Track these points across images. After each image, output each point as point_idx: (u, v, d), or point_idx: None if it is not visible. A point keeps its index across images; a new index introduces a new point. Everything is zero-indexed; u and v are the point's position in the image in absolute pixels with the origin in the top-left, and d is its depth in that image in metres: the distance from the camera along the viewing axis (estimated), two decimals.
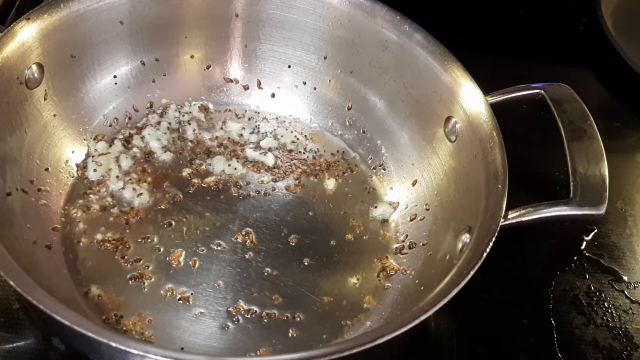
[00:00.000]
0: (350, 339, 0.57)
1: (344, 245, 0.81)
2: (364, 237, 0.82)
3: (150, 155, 0.86)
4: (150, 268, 0.74)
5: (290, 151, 0.90)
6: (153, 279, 0.74)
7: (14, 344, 0.67)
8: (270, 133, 0.91)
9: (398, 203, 0.85)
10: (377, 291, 0.77)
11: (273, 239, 0.79)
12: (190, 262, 0.76)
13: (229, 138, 0.90)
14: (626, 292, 0.81)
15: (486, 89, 0.79)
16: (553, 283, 0.81)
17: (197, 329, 0.71)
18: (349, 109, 0.92)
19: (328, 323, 0.73)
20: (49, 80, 0.78)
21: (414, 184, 0.85)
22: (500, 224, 0.65)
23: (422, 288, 0.73)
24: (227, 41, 0.92)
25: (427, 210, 0.81)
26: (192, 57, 0.92)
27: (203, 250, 0.77)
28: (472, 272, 0.61)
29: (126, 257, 0.75)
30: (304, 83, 0.93)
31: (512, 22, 1.20)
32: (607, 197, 0.71)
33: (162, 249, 0.76)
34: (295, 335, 0.72)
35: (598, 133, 0.77)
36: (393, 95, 0.88)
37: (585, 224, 0.87)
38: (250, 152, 0.88)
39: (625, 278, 0.83)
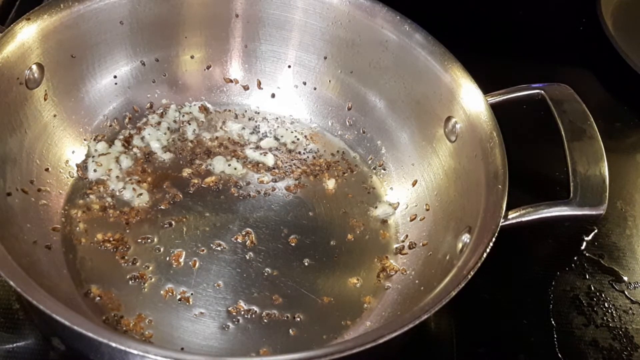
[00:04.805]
0: (350, 339, 0.57)
1: (344, 245, 0.80)
2: (364, 237, 0.82)
3: (150, 155, 0.86)
4: (150, 268, 0.74)
5: (290, 151, 0.90)
6: (153, 279, 0.74)
7: (14, 344, 0.67)
8: (270, 133, 0.91)
9: (398, 203, 0.85)
10: (377, 291, 0.77)
11: (273, 239, 0.79)
12: (190, 262, 0.76)
13: (229, 138, 0.90)
14: (626, 293, 0.81)
15: (486, 89, 0.79)
16: (553, 283, 0.81)
17: (197, 329, 0.70)
18: (349, 109, 0.92)
19: (328, 323, 0.73)
20: (49, 80, 0.78)
21: (414, 184, 0.85)
22: (500, 224, 0.65)
23: (422, 288, 0.73)
24: (227, 41, 0.92)
25: (427, 210, 0.81)
26: (192, 57, 0.92)
27: (203, 250, 0.77)
28: (472, 273, 0.61)
29: (126, 257, 0.75)
30: (304, 83, 0.93)
31: (512, 22, 1.20)
32: (607, 197, 0.71)
33: (162, 249, 0.76)
34: (295, 335, 0.72)
35: (598, 133, 0.77)
36: (393, 96, 0.88)
37: (585, 224, 0.87)
38: (250, 152, 0.88)
39: (626, 278, 0.83)
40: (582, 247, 0.85)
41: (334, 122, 0.93)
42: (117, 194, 0.80)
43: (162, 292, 0.73)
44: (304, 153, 0.90)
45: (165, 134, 0.88)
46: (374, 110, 0.90)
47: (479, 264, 0.62)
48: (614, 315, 0.79)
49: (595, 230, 0.87)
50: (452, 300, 0.59)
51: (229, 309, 0.72)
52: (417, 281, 0.76)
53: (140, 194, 0.81)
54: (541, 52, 1.14)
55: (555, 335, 0.76)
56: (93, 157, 0.83)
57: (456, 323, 0.75)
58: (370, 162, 0.90)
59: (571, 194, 0.71)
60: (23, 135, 0.75)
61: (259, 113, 0.93)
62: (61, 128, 0.81)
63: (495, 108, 0.76)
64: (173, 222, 0.79)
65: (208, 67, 0.93)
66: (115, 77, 0.87)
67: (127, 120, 0.88)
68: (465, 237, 0.70)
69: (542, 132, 0.82)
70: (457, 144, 0.79)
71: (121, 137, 0.86)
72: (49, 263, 0.71)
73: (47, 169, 0.78)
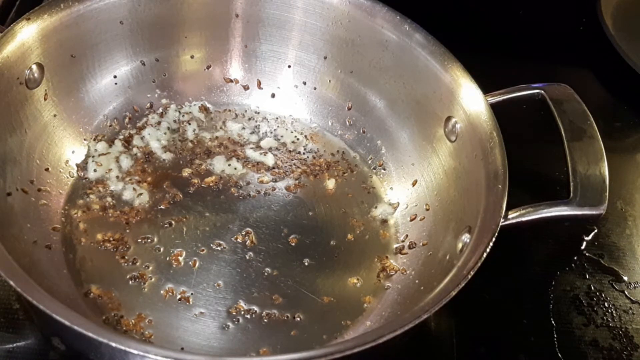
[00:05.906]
0: (350, 339, 0.57)
1: (344, 245, 0.80)
2: (364, 237, 0.82)
3: (150, 155, 0.86)
4: (150, 268, 0.74)
5: (290, 151, 0.90)
6: (153, 279, 0.74)
7: (14, 344, 0.67)
8: (270, 133, 0.91)
9: (398, 203, 0.85)
10: (377, 291, 0.77)
11: (273, 239, 0.79)
12: (190, 262, 0.76)
13: (229, 138, 0.90)
14: (626, 292, 0.81)
15: (486, 89, 0.79)
16: (553, 283, 0.81)
17: (197, 329, 0.70)
18: (349, 109, 0.92)
19: (328, 323, 0.73)
20: (49, 80, 0.78)
21: (414, 184, 0.85)
22: (500, 224, 0.65)
23: (422, 288, 0.73)
24: (227, 41, 0.92)
25: (427, 210, 0.81)
26: (192, 57, 0.92)
27: (203, 250, 0.77)
28: (472, 272, 0.61)
29: (126, 257, 0.75)
30: (304, 83, 0.93)
31: (513, 22, 1.20)
32: (607, 197, 0.71)
33: (162, 249, 0.76)
34: (295, 335, 0.72)
35: (598, 133, 0.77)
36: (393, 96, 0.88)
37: (585, 224, 0.87)
38: (250, 152, 0.88)
39: (626, 278, 0.83)
40: (582, 247, 0.85)
41: (334, 122, 0.93)
42: (117, 194, 0.80)
43: (162, 292, 0.73)
44: (304, 153, 0.90)
45: (165, 134, 0.88)
46: (374, 110, 0.90)
47: (479, 264, 0.62)
48: (614, 315, 0.79)
49: (595, 230, 0.87)
50: (452, 300, 0.59)
51: (229, 309, 0.72)
52: (417, 281, 0.76)
53: (140, 194, 0.81)
54: (541, 52, 1.14)
55: (555, 335, 0.76)
56: (93, 157, 0.83)
57: (456, 323, 0.75)
58: (370, 162, 0.90)
59: (571, 194, 0.71)
60: (23, 135, 0.75)
61: (259, 113, 0.93)
62: (61, 128, 0.81)
63: (495, 108, 0.76)
64: (173, 222, 0.79)
65: (208, 67, 0.93)
66: (115, 77, 0.87)
67: (127, 120, 0.88)
68: (465, 237, 0.70)
69: (542, 132, 0.82)
70: (457, 144, 0.79)
71: (121, 137, 0.86)
72: (49, 263, 0.71)
73: (47, 169, 0.78)
